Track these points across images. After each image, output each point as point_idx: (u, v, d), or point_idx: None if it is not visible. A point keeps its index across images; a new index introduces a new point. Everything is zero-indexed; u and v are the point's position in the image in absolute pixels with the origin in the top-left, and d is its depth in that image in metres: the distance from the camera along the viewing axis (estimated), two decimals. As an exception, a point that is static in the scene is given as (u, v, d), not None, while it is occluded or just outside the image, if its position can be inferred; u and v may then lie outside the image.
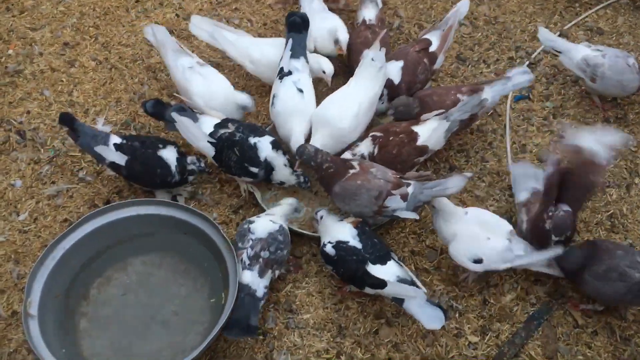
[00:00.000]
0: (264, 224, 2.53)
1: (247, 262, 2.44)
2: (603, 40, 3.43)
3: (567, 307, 2.53)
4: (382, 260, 2.42)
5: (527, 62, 3.34)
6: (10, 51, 3.44)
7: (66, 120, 2.74)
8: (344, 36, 3.09)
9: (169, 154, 2.75)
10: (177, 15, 3.59)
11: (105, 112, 3.19)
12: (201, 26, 3.16)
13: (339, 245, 2.45)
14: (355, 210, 2.57)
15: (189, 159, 2.80)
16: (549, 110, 3.18)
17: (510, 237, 2.49)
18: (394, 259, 2.46)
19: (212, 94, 2.92)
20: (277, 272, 2.51)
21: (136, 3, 3.66)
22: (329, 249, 2.46)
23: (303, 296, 2.62)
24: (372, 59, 2.74)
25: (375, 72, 2.76)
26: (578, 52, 3.05)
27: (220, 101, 2.91)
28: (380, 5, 3.24)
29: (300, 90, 2.82)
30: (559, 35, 3.43)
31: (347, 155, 2.72)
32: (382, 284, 2.34)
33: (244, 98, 2.94)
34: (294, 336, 2.50)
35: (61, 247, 2.52)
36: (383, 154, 2.69)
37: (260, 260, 2.44)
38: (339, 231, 2.50)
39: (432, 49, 3.00)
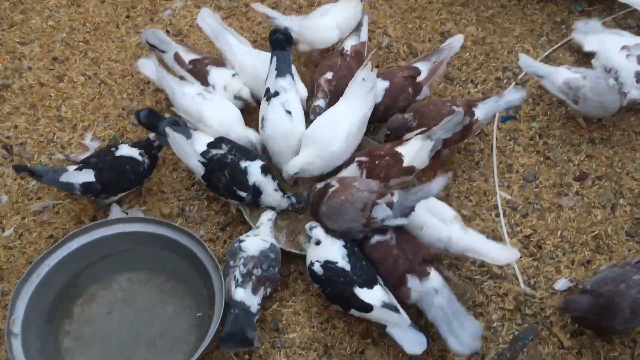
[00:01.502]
0: (255, 243, 2.53)
1: (240, 279, 2.43)
2: (589, 61, 3.46)
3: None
4: (369, 284, 2.41)
5: (514, 83, 3.38)
6: (-1, 65, 3.44)
7: (20, 169, 2.79)
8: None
9: (126, 150, 2.79)
10: (167, 31, 3.59)
11: (94, 128, 3.18)
12: (208, 20, 3.21)
13: (328, 266, 2.44)
14: (344, 226, 2.56)
15: (151, 135, 2.83)
16: (536, 130, 3.21)
17: (451, 224, 2.55)
18: (380, 283, 2.45)
19: (226, 120, 2.93)
20: (268, 290, 2.51)
21: (126, 19, 3.67)
22: (317, 268, 2.46)
23: (289, 315, 2.61)
24: (363, 79, 2.75)
25: (366, 92, 2.77)
26: (559, 76, 3.08)
27: (232, 129, 2.92)
28: (363, 38, 3.23)
29: (289, 112, 2.82)
30: (546, 57, 3.48)
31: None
32: (368, 308, 2.35)
33: (253, 135, 2.94)
34: (280, 356, 2.49)
35: (46, 264, 2.50)
36: (370, 178, 2.68)
37: (253, 277, 2.44)
38: (328, 250, 2.49)
39: (419, 79, 3.01)
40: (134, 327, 2.51)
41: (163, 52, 3.20)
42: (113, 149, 2.82)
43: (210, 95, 2.99)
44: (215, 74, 3.08)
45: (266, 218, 2.66)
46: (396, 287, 2.44)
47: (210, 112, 2.92)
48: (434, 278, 2.42)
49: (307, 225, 2.57)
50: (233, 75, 3.08)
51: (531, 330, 2.57)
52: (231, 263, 2.50)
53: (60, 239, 2.61)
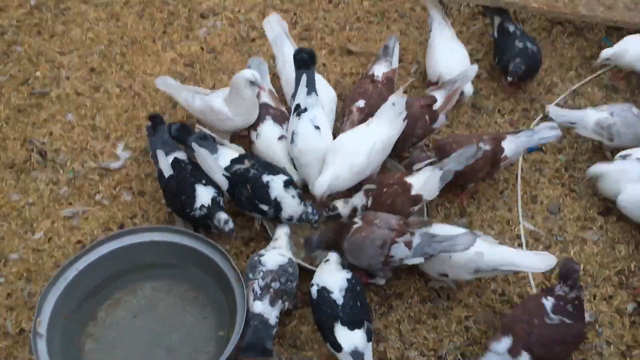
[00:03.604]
0: (274, 257, 2.58)
1: (259, 292, 2.47)
2: (618, 97, 3.48)
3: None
4: (352, 326, 2.38)
5: (541, 115, 3.40)
6: (38, 73, 3.54)
7: (155, 120, 2.98)
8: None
9: (204, 192, 2.75)
10: (202, 48, 3.69)
11: (126, 138, 3.26)
12: (273, 25, 3.33)
13: (322, 293, 2.46)
14: (365, 263, 2.60)
15: (220, 215, 2.71)
16: (562, 163, 3.22)
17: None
18: (365, 330, 2.41)
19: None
20: (286, 304, 2.54)
21: (163, 34, 3.77)
22: (314, 290, 2.48)
23: (308, 332, 2.63)
24: (393, 104, 2.80)
25: (394, 116, 2.82)
26: (590, 118, 3.08)
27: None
28: (394, 65, 3.28)
29: (317, 127, 2.88)
30: (574, 91, 3.50)
31: (339, 203, 2.75)
32: (338, 347, 2.36)
33: (249, 72, 2.92)
34: (297, 373, 2.51)
35: (74, 268, 2.56)
36: (377, 205, 2.71)
37: (271, 290, 2.48)
38: (331, 277, 2.50)
39: (435, 107, 3.03)
40: (156, 334, 2.55)
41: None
42: (203, 181, 2.77)
43: (213, 93, 3.07)
44: (267, 126, 3.00)
45: (282, 232, 2.71)
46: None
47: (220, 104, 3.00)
48: None
49: (331, 252, 2.61)
50: (279, 137, 2.98)
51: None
52: (250, 276, 2.54)
53: (89, 245, 2.68)
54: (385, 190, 2.73)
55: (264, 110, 3.04)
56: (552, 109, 3.14)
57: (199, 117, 3.09)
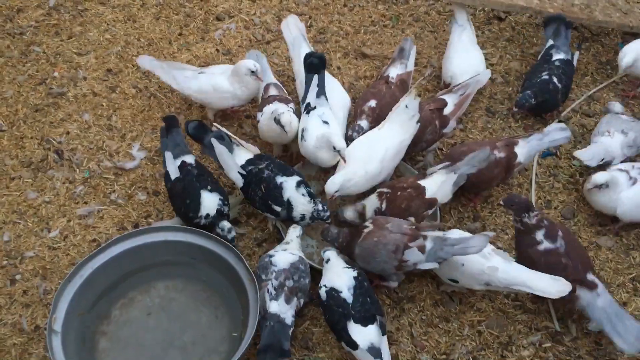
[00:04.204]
0: (284, 256, 2.60)
1: (273, 292, 2.49)
2: (634, 104, 3.46)
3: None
4: (365, 322, 2.40)
5: (557, 120, 3.38)
6: (56, 74, 3.58)
7: (170, 121, 3.01)
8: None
9: (209, 198, 2.77)
10: (217, 50, 3.72)
11: (141, 138, 3.29)
12: (291, 27, 3.35)
13: (331, 293, 2.47)
14: (377, 268, 2.60)
15: (224, 224, 2.75)
16: (576, 168, 3.21)
17: (491, 257, 2.53)
18: (378, 324, 2.42)
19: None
20: (301, 301, 2.55)
21: (179, 36, 3.80)
22: (322, 292, 2.50)
23: (320, 334, 2.63)
24: (406, 106, 2.80)
25: (407, 119, 2.82)
26: (614, 146, 3.03)
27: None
28: (409, 68, 3.28)
29: (326, 122, 2.91)
30: (590, 97, 3.49)
31: (347, 212, 2.78)
32: (354, 345, 2.37)
33: (250, 62, 3.08)
34: (309, 374, 2.51)
35: (89, 266, 2.59)
36: (392, 209, 2.71)
37: (286, 289, 2.49)
38: (338, 277, 2.51)
39: (445, 112, 3.02)
40: (168, 333, 2.57)
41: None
42: (209, 187, 2.79)
43: (206, 69, 3.22)
44: (275, 106, 3.04)
45: (294, 235, 2.72)
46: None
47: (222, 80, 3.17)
48: (599, 286, 2.50)
49: (323, 250, 2.63)
50: (289, 109, 3.03)
51: (563, 369, 2.55)
52: (263, 277, 2.55)
53: (104, 243, 2.70)
54: (399, 193, 2.74)
55: (271, 99, 3.13)
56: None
57: (193, 96, 3.20)
